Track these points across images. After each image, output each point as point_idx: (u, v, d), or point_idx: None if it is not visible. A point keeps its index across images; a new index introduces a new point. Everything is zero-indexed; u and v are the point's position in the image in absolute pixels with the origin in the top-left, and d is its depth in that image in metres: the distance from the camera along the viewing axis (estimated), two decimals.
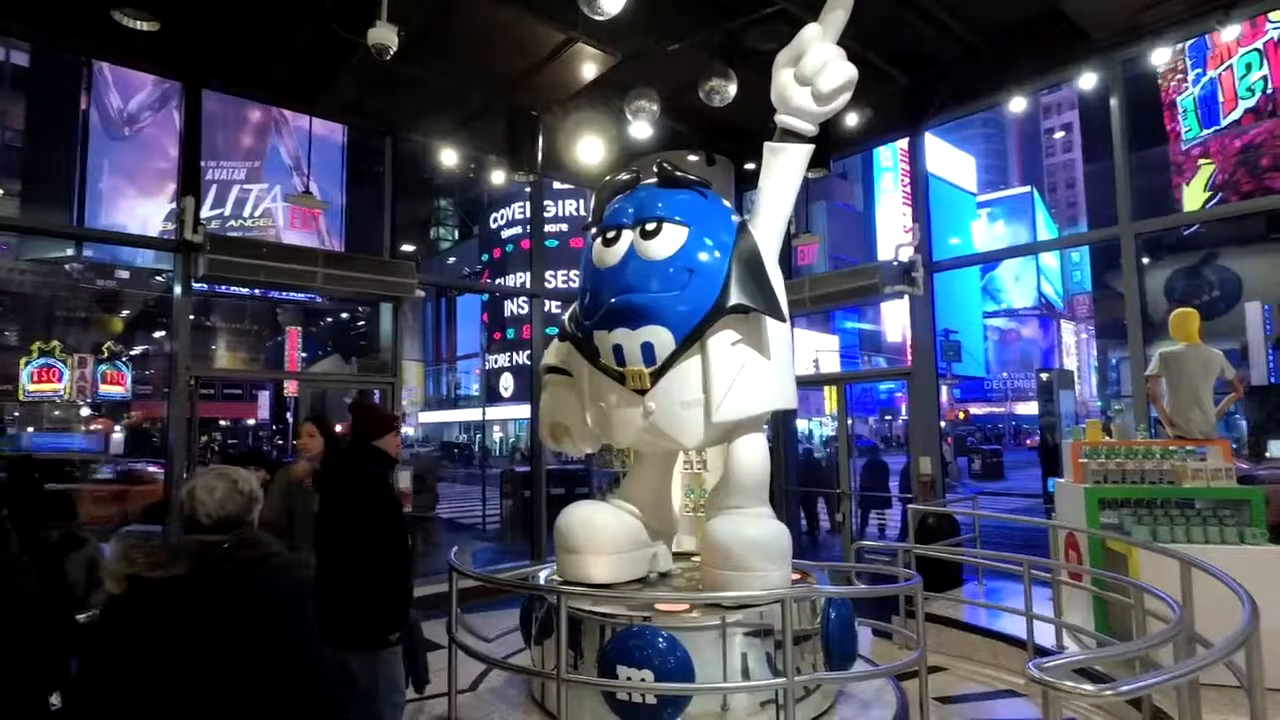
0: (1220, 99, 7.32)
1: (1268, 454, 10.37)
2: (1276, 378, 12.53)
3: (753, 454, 3.73)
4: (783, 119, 3.76)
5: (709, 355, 3.56)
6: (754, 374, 3.61)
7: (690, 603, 3.66)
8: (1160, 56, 6.43)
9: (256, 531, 1.72)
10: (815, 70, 3.57)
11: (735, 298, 3.50)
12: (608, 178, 3.96)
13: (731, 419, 3.62)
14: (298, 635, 1.62)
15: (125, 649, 1.52)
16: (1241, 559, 3.84)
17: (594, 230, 3.86)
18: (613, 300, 3.62)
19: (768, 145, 3.84)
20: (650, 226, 3.58)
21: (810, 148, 3.79)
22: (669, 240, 3.57)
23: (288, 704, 1.57)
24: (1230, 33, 6.55)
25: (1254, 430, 13.02)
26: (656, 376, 3.59)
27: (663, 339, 3.54)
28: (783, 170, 3.81)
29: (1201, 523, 4.34)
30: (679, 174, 3.81)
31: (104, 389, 17.47)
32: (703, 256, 3.57)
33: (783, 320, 3.68)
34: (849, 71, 3.59)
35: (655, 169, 3.85)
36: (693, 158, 7.76)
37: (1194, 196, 8.72)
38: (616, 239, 3.67)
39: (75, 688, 1.62)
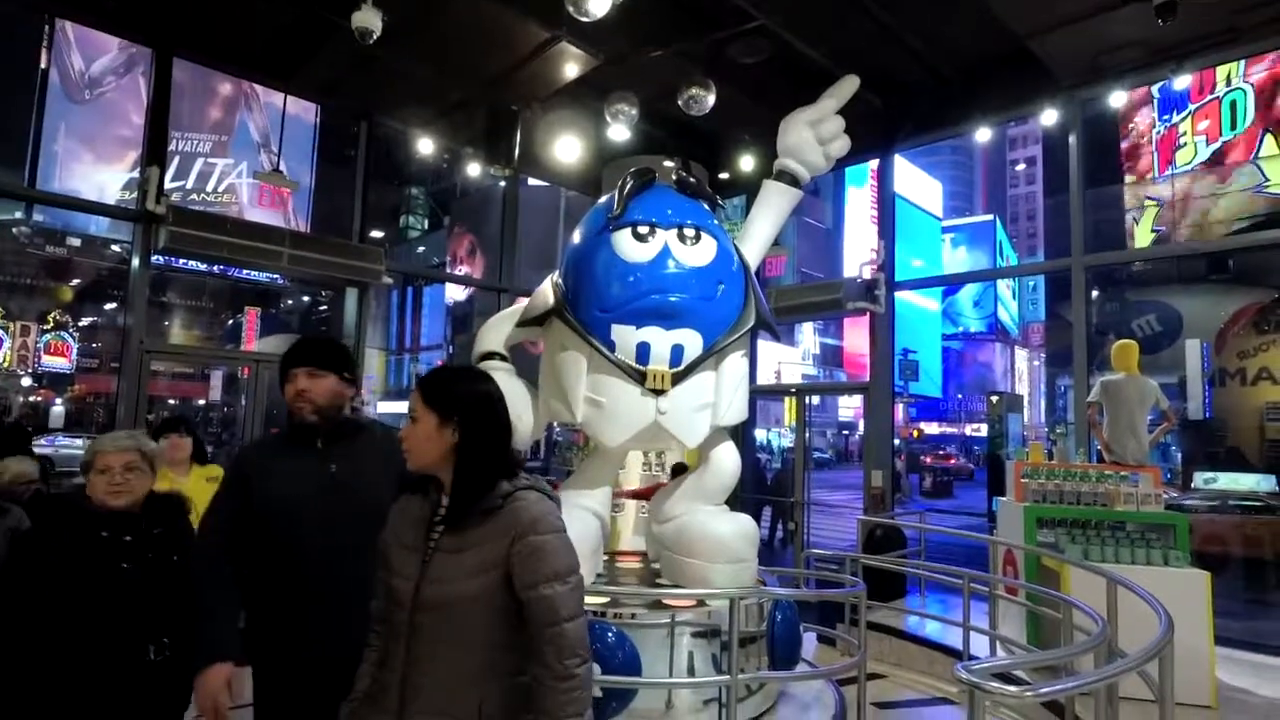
0: (1174, 144, 7.70)
1: (1192, 485, 10.87)
2: (1211, 413, 13.09)
3: (732, 459, 4.00)
4: (790, 164, 4.20)
5: (725, 363, 3.78)
6: (745, 384, 3.94)
7: (695, 598, 3.63)
8: (1118, 99, 6.75)
9: None
10: (832, 136, 4.20)
11: (757, 315, 3.83)
12: (631, 172, 3.90)
13: (732, 424, 3.90)
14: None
15: None
16: (1165, 579, 4.06)
17: (618, 222, 3.74)
18: (652, 297, 3.59)
19: (769, 183, 4.26)
20: (689, 232, 3.69)
21: (802, 192, 4.31)
22: (706, 249, 3.71)
23: None
24: (1182, 82, 6.89)
25: (1186, 461, 13.62)
26: (676, 378, 3.65)
27: (693, 343, 3.65)
28: (779, 206, 4.25)
29: (1130, 544, 4.56)
30: (695, 182, 3.94)
31: (47, 359, 16.75)
32: (729, 270, 3.81)
33: (778, 340, 4.30)
34: (849, 143, 4.29)
35: (674, 175, 3.93)
36: (668, 163, 7.86)
37: (1143, 236, 9.08)
38: (650, 236, 3.67)
39: None
